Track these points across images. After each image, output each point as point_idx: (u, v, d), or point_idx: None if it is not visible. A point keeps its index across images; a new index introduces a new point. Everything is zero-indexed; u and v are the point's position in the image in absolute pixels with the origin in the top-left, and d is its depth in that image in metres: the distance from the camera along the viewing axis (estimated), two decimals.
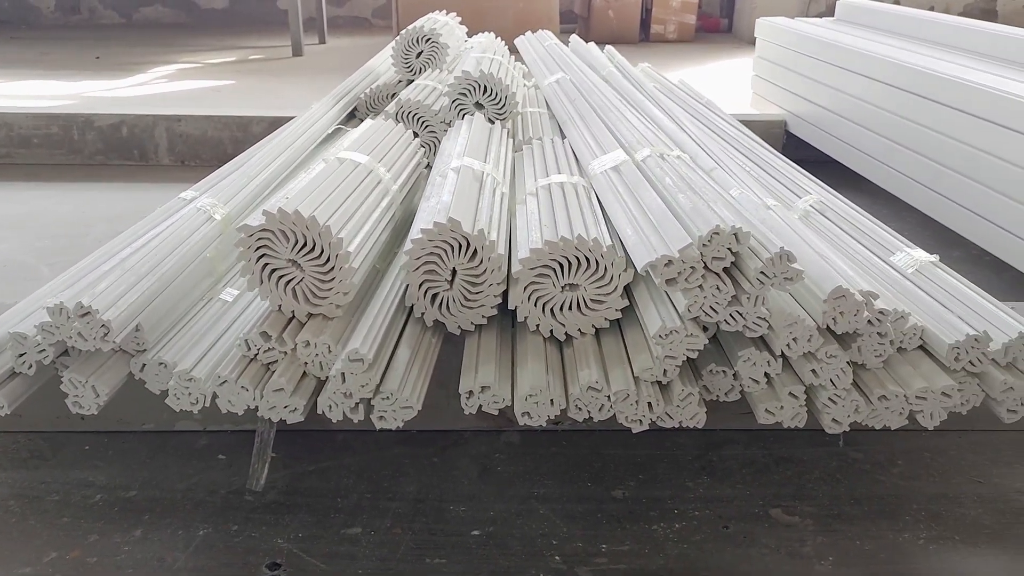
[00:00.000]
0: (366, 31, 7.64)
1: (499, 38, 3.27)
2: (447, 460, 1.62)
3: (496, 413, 1.35)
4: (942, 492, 1.54)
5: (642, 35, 7.16)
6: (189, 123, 3.45)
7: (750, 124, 3.53)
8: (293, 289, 1.38)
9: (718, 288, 1.28)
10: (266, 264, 1.38)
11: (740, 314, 1.30)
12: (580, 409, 1.33)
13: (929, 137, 2.50)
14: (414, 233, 1.43)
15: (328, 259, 1.37)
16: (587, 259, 1.38)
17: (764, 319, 1.30)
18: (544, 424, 1.33)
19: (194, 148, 3.46)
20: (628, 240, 1.38)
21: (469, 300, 1.45)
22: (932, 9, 7.44)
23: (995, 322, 1.39)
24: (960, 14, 7.40)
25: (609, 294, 1.40)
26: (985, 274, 2.44)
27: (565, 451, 1.66)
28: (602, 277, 1.39)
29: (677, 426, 1.35)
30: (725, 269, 1.31)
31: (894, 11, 3.41)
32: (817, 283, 1.30)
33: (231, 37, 7.29)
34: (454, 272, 1.44)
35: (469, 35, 3.29)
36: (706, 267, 1.29)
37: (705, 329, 1.36)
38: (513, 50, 3.37)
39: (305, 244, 1.36)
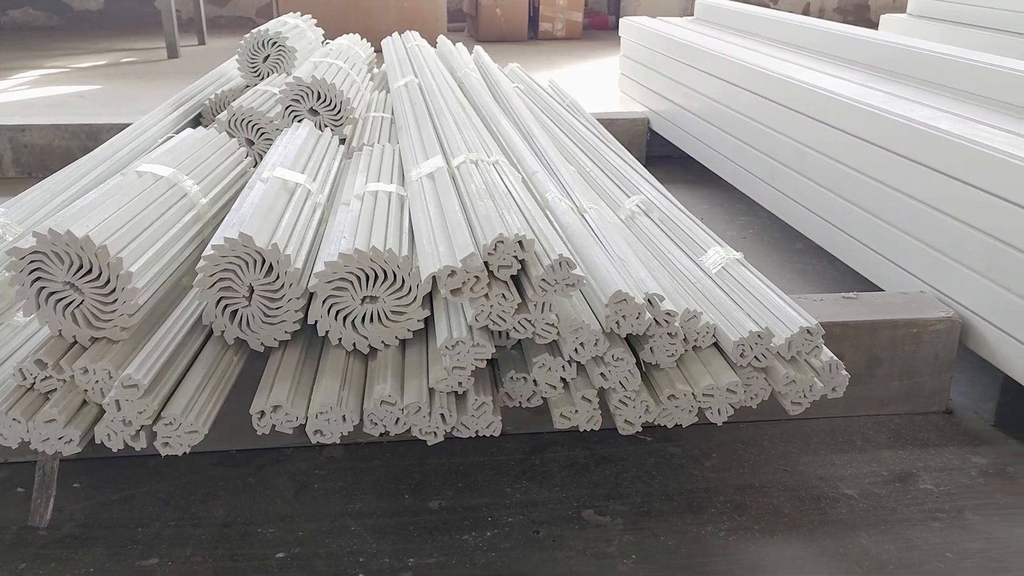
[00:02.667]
0: (249, 32, 7.44)
1: (382, 39, 3.22)
2: (263, 479, 1.59)
3: (291, 433, 1.33)
4: (749, 483, 1.59)
5: (531, 33, 7.20)
6: (35, 133, 3.29)
7: (615, 122, 3.60)
8: (73, 312, 1.32)
9: (504, 296, 1.28)
10: (43, 287, 1.32)
11: (529, 321, 1.30)
12: (375, 424, 1.32)
13: (765, 134, 2.58)
14: (208, 249, 1.39)
15: (108, 280, 1.31)
16: (384, 271, 1.37)
17: (552, 325, 1.31)
18: (338, 440, 1.31)
19: (41, 159, 3.30)
20: (421, 250, 1.37)
21: (269, 316, 1.41)
22: (808, 5, 7.72)
23: (782, 317, 1.44)
24: (835, 9, 7.70)
25: (409, 305, 1.39)
26: (822, 264, 2.54)
27: (388, 463, 1.64)
28: (400, 288, 1.38)
29: (474, 435, 1.35)
30: (515, 277, 1.32)
31: (748, 11, 3.51)
32: (602, 288, 1.32)
33: (106, 40, 7.00)
34: (253, 288, 1.40)
35: (362, 36, 3.23)
36: (493, 276, 1.29)
37: (508, 336, 1.36)
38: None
39: (82, 266, 1.31)
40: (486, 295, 1.28)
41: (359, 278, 1.37)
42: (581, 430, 1.38)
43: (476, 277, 1.27)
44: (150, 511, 1.49)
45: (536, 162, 1.95)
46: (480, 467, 1.63)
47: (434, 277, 1.30)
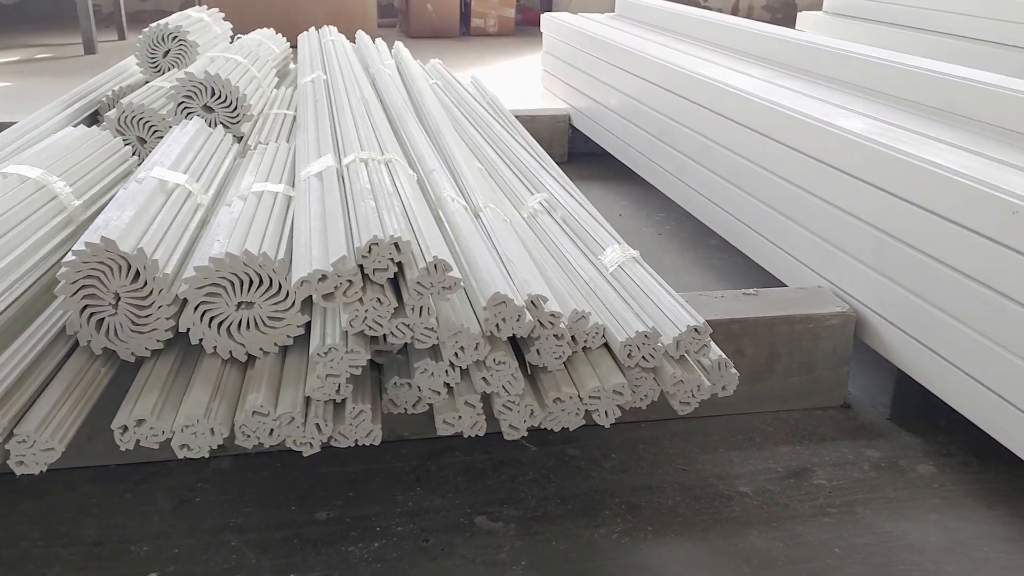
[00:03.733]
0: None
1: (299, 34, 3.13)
2: (141, 495, 1.51)
3: (156, 448, 1.26)
4: (647, 483, 1.58)
5: (463, 29, 7.15)
6: None
7: (536, 119, 3.58)
8: None
9: (379, 301, 1.24)
10: None
11: (407, 326, 1.26)
12: (247, 436, 1.26)
13: (675, 130, 2.58)
14: (69, 255, 1.31)
15: None
16: (259, 276, 1.31)
17: (432, 329, 1.27)
18: (207, 455, 1.25)
19: None
20: (296, 253, 1.32)
21: (138, 324, 1.34)
22: (738, 3, 7.82)
23: (672, 316, 1.43)
24: (764, 7, 7.82)
25: (287, 311, 1.34)
26: (736, 260, 2.55)
27: (277, 473, 1.58)
28: (277, 294, 1.33)
29: (353, 444, 1.30)
30: (393, 280, 1.28)
31: (666, 8, 3.52)
32: (482, 290, 1.28)
33: (22, 35, 6.74)
34: (119, 295, 1.33)
35: (285, 34, 3.14)
36: (368, 279, 1.25)
37: (386, 341, 1.32)
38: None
39: None
40: (360, 300, 1.23)
41: (232, 283, 1.31)
42: (465, 436, 1.34)
43: (349, 281, 1.22)
44: (17, 531, 1.41)
45: (436, 160, 1.91)
46: (373, 475, 1.59)
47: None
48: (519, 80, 4.96)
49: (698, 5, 7.65)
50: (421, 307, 1.25)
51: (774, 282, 2.12)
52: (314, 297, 1.22)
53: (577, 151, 3.64)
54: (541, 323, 1.33)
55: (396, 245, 1.24)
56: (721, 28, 3.00)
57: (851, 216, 1.80)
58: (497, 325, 1.27)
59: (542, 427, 1.36)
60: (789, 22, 6.67)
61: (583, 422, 1.36)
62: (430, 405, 1.36)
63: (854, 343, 1.81)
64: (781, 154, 2.04)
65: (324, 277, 1.21)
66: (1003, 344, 1.44)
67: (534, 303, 1.31)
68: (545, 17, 3.82)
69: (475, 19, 7.11)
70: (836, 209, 1.85)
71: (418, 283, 1.22)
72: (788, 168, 2.02)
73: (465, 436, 1.34)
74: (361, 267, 1.24)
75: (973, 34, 3.16)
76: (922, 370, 1.65)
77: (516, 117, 3.49)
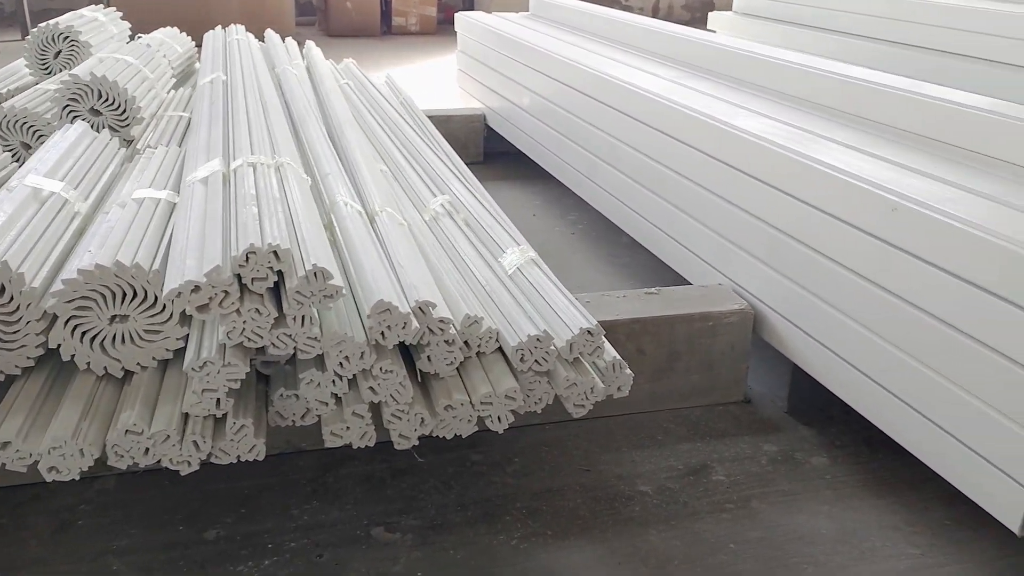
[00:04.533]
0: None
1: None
2: (18, 520, 1.44)
3: (24, 471, 1.20)
4: (548, 486, 1.57)
5: (384, 28, 7.06)
6: None
7: (451, 119, 3.55)
8: None
9: (258, 311, 1.19)
10: None
11: (289, 336, 1.22)
12: (120, 456, 1.21)
13: (584, 129, 2.59)
14: None
15: None
16: (132, 288, 1.26)
17: (315, 339, 1.24)
18: (77, 477, 1.19)
19: None
20: (171, 263, 1.26)
21: (6, 341, 1.27)
22: (657, 2, 7.92)
23: (567, 319, 1.42)
24: (683, 6, 7.93)
25: (164, 323, 1.28)
26: (646, 259, 2.56)
27: (165, 492, 1.52)
28: (153, 306, 1.27)
29: (236, 460, 1.25)
30: (275, 289, 1.24)
31: (578, 7, 3.53)
32: (367, 297, 1.25)
33: None
34: None
35: (193, 33, 3.02)
36: (247, 289, 1.21)
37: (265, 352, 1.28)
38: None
39: None
40: (237, 311, 1.19)
41: (104, 296, 1.25)
42: (355, 447, 1.31)
43: (225, 292, 1.18)
44: None
45: (335, 164, 1.87)
46: (267, 489, 1.54)
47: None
48: (439, 79, 4.92)
49: (618, 5, 7.73)
50: (303, 316, 1.21)
51: (681, 280, 2.14)
52: (187, 309, 1.17)
53: (494, 151, 3.62)
54: (430, 330, 1.30)
55: (275, 253, 1.20)
56: (632, 29, 3.02)
57: (748, 214, 1.83)
58: (382, 333, 1.24)
59: (434, 435, 1.33)
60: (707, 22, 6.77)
61: (476, 428, 1.34)
62: (319, 416, 1.33)
63: (753, 339, 1.84)
64: (683, 153, 2.06)
65: (197, 288, 1.16)
66: (885, 337, 1.48)
67: (422, 309, 1.29)
68: (459, 16, 3.79)
69: (396, 17, 7.04)
70: (734, 208, 1.87)
71: (298, 292, 1.18)
72: (690, 167, 2.04)
73: (354, 447, 1.31)
74: (239, 276, 1.20)
75: (879, 35, 3.25)
76: (814, 364, 1.68)
77: (431, 117, 3.46)
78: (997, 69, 2.73)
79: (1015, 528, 1.27)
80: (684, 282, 2.10)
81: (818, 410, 1.79)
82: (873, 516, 1.50)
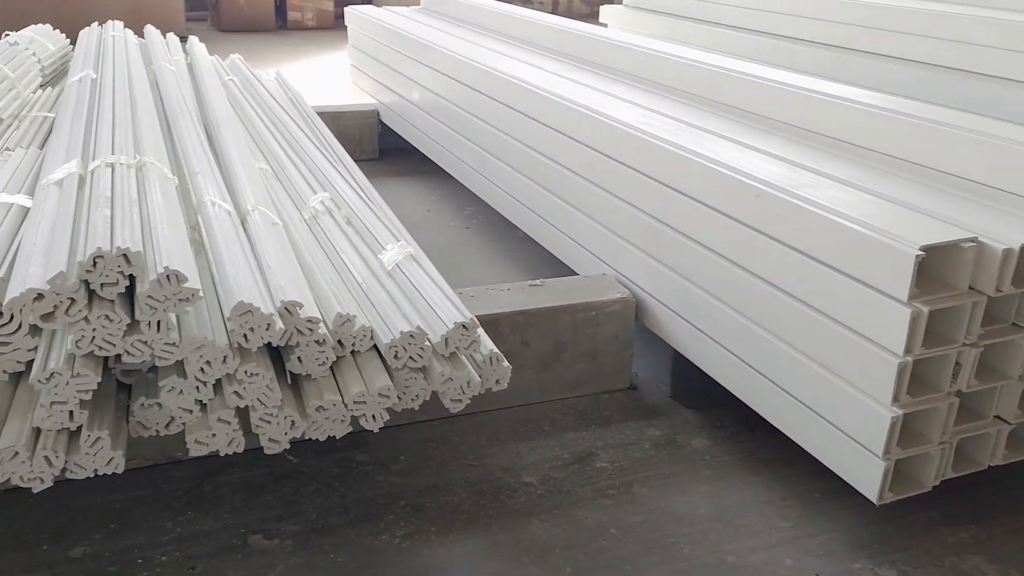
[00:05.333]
0: None
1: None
2: None
3: None
4: (434, 483, 1.56)
5: (279, 23, 6.91)
6: None
7: (344, 115, 3.49)
8: None
9: (108, 318, 1.14)
10: None
11: (144, 343, 1.17)
12: None
13: (474, 124, 2.58)
14: None
15: None
16: None
17: (174, 345, 1.19)
18: None
19: None
20: (16, 270, 1.20)
21: None
22: None
23: (443, 314, 1.41)
24: (582, 1, 8.02)
25: (13, 334, 1.21)
26: (540, 251, 2.57)
27: (29, 509, 1.45)
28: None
29: (93, 475, 1.20)
30: (127, 294, 1.19)
31: (468, 2, 3.52)
32: (228, 299, 1.21)
33: None
34: None
35: (76, 31, 2.85)
36: (96, 295, 1.15)
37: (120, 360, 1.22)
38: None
39: None
40: (86, 318, 1.13)
41: None
42: (223, 454, 1.27)
43: (71, 299, 1.12)
44: None
45: (206, 162, 1.81)
46: (140, 502, 1.48)
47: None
48: (335, 75, 4.84)
49: None
50: (158, 322, 1.16)
51: (571, 273, 2.16)
52: (30, 318, 1.11)
53: (391, 147, 3.58)
54: (299, 330, 1.27)
55: (126, 256, 1.15)
56: (520, 23, 3.03)
57: (628, 205, 1.86)
58: (245, 335, 1.21)
59: (306, 437, 1.31)
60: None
61: (350, 429, 1.32)
62: (184, 424, 1.28)
63: (638, 327, 1.87)
64: (565, 146, 2.08)
65: (41, 296, 1.11)
66: (753, 319, 1.52)
67: (288, 310, 1.26)
68: (348, 11, 3.73)
69: (292, 12, 6.89)
70: (615, 198, 1.90)
71: (150, 296, 1.13)
72: (572, 160, 2.06)
73: (222, 454, 1.27)
74: (88, 282, 1.14)
75: (761, 28, 3.35)
76: (691, 349, 1.72)
77: (322, 114, 3.40)
78: (875, 60, 2.85)
79: (873, 497, 1.33)
80: (573, 274, 2.12)
81: (700, 393, 1.84)
82: (749, 493, 1.55)
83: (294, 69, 5.11)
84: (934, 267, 1.26)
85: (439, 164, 3.00)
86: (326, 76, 4.78)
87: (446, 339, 1.37)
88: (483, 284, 1.98)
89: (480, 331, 1.43)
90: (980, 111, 2.36)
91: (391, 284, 1.53)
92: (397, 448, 1.65)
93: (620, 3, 4.23)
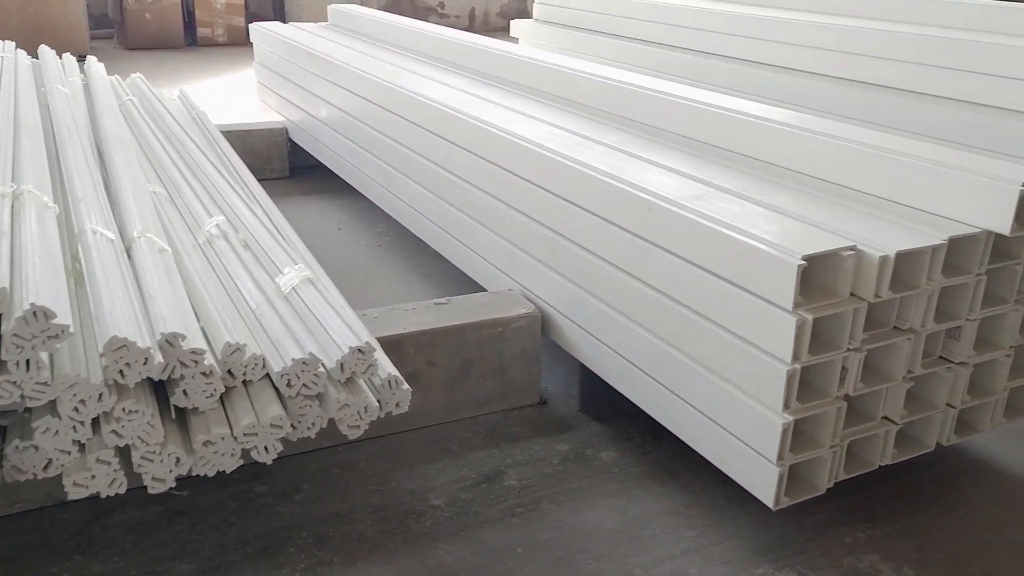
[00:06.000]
0: None
1: None
2: None
3: None
4: (337, 511, 1.52)
5: (189, 39, 6.73)
6: None
7: (251, 134, 3.42)
8: None
9: None
10: None
11: (14, 383, 1.11)
12: None
13: (379, 140, 2.56)
14: None
15: None
16: None
17: (46, 384, 1.13)
18: None
19: None
20: None
21: None
22: (473, 10, 8.01)
23: (339, 338, 1.38)
24: (498, 13, 8.07)
25: None
26: (451, 268, 2.56)
27: None
28: None
29: None
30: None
31: (375, 17, 3.50)
32: (102, 334, 1.16)
33: None
34: None
35: None
36: None
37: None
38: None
39: None
40: None
41: None
42: (103, 496, 1.21)
43: None
44: None
45: (91, 188, 1.73)
46: (24, 548, 1.40)
47: None
48: (245, 92, 4.73)
49: (435, 14, 7.76)
50: (27, 361, 1.10)
51: (480, 288, 2.15)
52: None
53: (303, 164, 3.51)
54: (182, 363, 1.23)
55: None
56: (425, 38, 3.02)
57: (530, 219, 1.86)
58: (121, 371, 1.15)
59: (193, 474, 1.26)
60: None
61: (241, 462, 1.28)
62: (63, 466, 1.22)
63: (546, 341, 1.87)
64: (468, 161, 2.07)
65: None
66: (653, 331, 1.54)
67: (170, 342, 1.21)
68: (254, 28, 3.66)
69: (202, 28, 6.73)
70: (518, 213, 1.90)
71: (15, 335, 1.08)
72: (476, 174, 2.05)
73: (103, 496, 1.21)
74: None
75: (667, 41, 3.42)
76: (596, 361, 1.73)
77: (228, 133, 3.32)
78: (768, 72, 2.94)
79: (769, 503, 1.36)
80: (483, 290, 2.11)
81: (609, 405, 1.84)
82: (654, 504, 1.56)
83: (203, 87, 4.98)
84: (817, 276, 1.29)
85: (348, 181, 2.96)
86: (237, 93, 4.67)
87: (341, 364, 1.34)
88: (393, 303, 1.96)
89: (377, 355, 1.40)
90: (872, 121, 2.46)
91: (286, 309, 1.49)
92: (300, 477, 1.61)
93: (530, 17, 4.27)
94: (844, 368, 1.33)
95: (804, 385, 1.31)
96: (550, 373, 1.94)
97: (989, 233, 1.36)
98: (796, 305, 1.25)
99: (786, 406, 1.30)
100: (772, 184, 1.60)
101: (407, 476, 1.63)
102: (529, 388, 1.87)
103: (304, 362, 1.31)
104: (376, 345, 1.46)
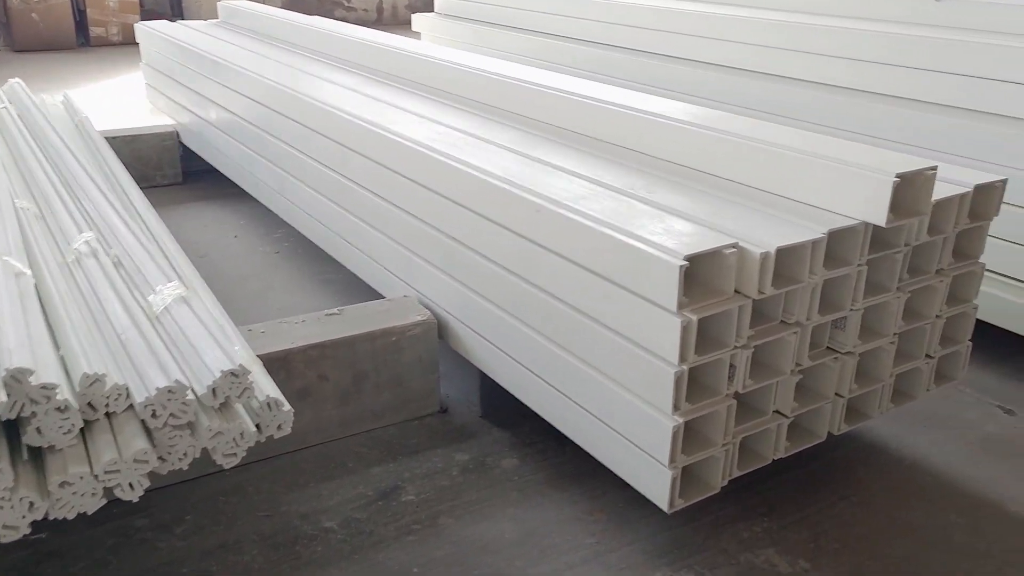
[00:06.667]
0: None
1: None
2: None
3: None
4: (222, 542, 1.45)
5: (82, 39, 6.42)
6: None
7: (140, 139, 3.27)
8: None
9: None
10: None
11: None
12: None
13: (271, 144, 2.46)
14: None
15: None
16: None
17: None
18: None
19: None
20: None
21: None
22: (381, 3, 7.87)
23: (210, 361, 1.30)
24: (406, 7, 7.94)
25: None
26: (350, 275, 2.48)
27: None
28: None
29: None
30: None
31: (265, 14, 3.37)
32: None
33: None
34: None
35: None
36: None
37: None
38: None
39: None
40: None
41: None
42: None
43: None
44: None
45: None
46: None
47: None
48: (140, 94, 4.53)
49: (341, 7, 7.59)
50: None
51: (377, 294, 2.09)
52: None
53: (198, 169, 3.36)
54: (32, 399, 1.13)
55: None
56: (316, 35, 2.92)
57: (423, 223, 1.80)
58: None
59: (50, 518, 1.16)
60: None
61: (104, 501, 1.19)
62: None
63: (444, 347, 1.82)
64: (360, 164, 2.00)
65: None
66: (547, 335, 1.51)
67: (16, 378, 1.11)
68: (139, 28, 3.48)
69: (94, 28, 6.41)
70: (409, 216, 1.85)
71: None
72: (367, 178, 1.99)
73: None
74: None
75: (564, 33, 3.40)
76: (493, 367, 1.69)
77: (115, 139, 3.17)
78: (675, 65, 2.93)
79: (664, 506, 1.34)
80: (380, 297, 2.05)
81: (511, 410, 1.80)
82: (555, 512, 1.53)
83: (95, 89, 4.75)
84: (701, 274, 1.27)
85: (241, 186, 2.84)
86: (131, 96, 4.46)
87: (214, 389, 1.26)
88: (290, 313, 1.88)
89: (255, 376, 1.33)
90: (772, 112, 2.48)
91: (155, 333, 1.40)
92: (183, 507, 1.53)
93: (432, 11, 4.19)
94: (732, 366, 1.32)
95: (693, 384, 1.30)
96: (451, 380, 1.89)
97: (867, 225, 1.37)
98: (680, 306, 1.24)
99: (675, 408, 1.28)
100: (660, 180, 1.59)
101: (299, 498, 1.56)
102: (428, 397, 1.82)
103: (170, 390, 1.22)
104: (254, 365, 1.39)
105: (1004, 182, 1.55)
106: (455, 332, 1.78)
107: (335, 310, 1.80)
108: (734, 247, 1.27)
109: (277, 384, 1.51)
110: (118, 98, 4.45)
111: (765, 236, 1.31)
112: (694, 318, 1.24)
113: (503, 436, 1.75)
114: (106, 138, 3.07)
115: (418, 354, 1.78)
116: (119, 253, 1.71)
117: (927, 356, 1.61)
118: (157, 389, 1.22)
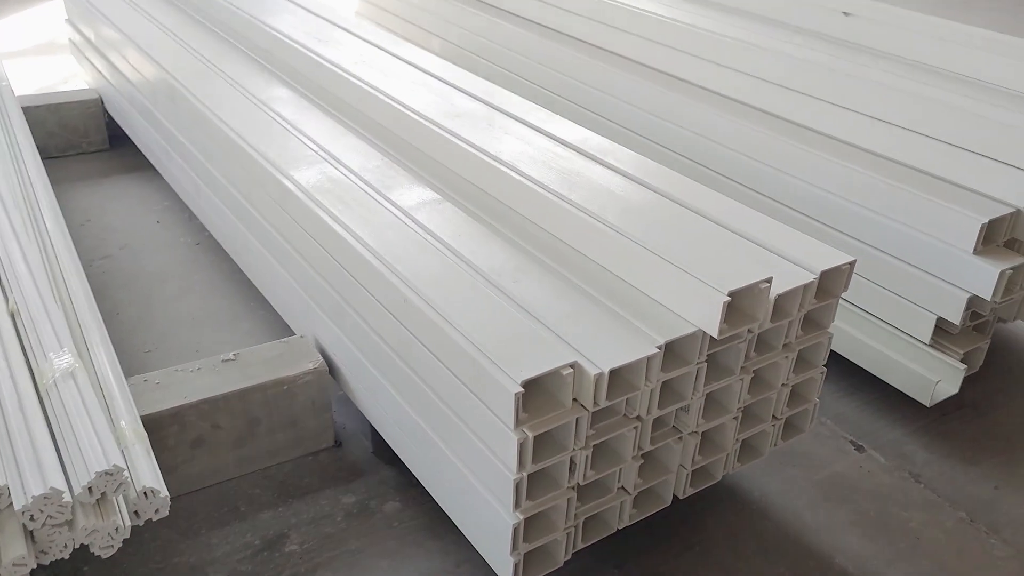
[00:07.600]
0: None
1: None
2: None
3: None
4: None
5: None
6: None
7: (63, 107, 3.21)
8: None
9: None
10: None
11: None
12: None
13: (181, 145, 2.46)
14: None
15: None
16: None
17: None
18: None
19: None
20: None
21: None
22: None
23: (88, 458, 1.39)
24: None
25: None
26: None
27: None
28: None
29: None
30: None
31: None
32: None
33: None
34: None
35: None
36: None
37: None
38: None
39: None
40: None
41: None
42: None
43: None
44: None
45: None
46: None
47: None
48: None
49: None
50: None
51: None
52: None
53: (124, 133, 3.30)
54: None
55: None
56: (235, 16, 2.84)
57: (316, 272, 1.86)
58: None
59: None
60: None
61: None
62: None
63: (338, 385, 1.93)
64: (261, 198, 2.03)
65: None
66: (416, 412, 1.61)
67: None
68: None
69: None
70: (306, 263, 1.90)
71: None
72: (270, 214, 2.02)
73: None
74: None
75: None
76: (375, 419, 1.81)
77: (39, 107, 3.12)
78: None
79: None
80: (285, 326, 2.13)
81: None
82: (427, 563, 1.68)
83: (16, 20, 4.55)
84: (541, 388, 1.37)
85: (160, 174, 2.84)
86: (57, 29, 4.28)
87: (89, 488, 1.37)
88: (206, 321, 1.92)
89: (127, 473, 1.43)
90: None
91: (40, 414, 1.48)
92: (80, 558, 1.64)
93: None
94: (573, 462, 1.44)
95: (535, 479, 1.42)
96: (350, 408, 1.99)
97: (705, 332, 1.46)
98: (519, 423, 1.34)
99: (516, 505, 1.41)
100: (532, 263, 1.63)
101: (191, 547, 1.70)
102: (322, 434, 1.94)
103: (46, 497, 1.33)
104: (138, 443, 1.50)
105: (852, 263, 1.62)
106: (344, 379, 1.88)
107: (231, 355, 1.88)
108: (572, 367, 1.36)
109: (171, 437, 1.63)
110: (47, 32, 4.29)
111: (606, 349, 1.40)
112: (530, 435, 1.34)
113: (390, 475, 1.88)
114: (31, 107, 3.03)
115: (311, 397, 1.88)
116: (16, 300, 1.76)
117: (773, 418, 1.73)
118: (33, 497, 1.32)
